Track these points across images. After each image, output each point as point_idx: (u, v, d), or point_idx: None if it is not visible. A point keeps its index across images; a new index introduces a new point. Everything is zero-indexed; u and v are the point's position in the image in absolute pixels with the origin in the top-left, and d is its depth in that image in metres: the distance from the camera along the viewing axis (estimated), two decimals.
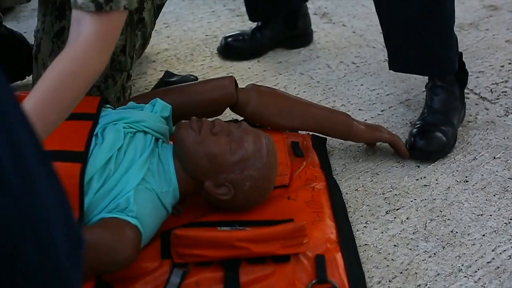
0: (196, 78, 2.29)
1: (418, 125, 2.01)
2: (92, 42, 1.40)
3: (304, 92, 2.31)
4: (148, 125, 1.66)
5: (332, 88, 2.34)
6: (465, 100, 2.15)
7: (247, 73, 2.43)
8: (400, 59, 2.07)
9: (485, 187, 1.90)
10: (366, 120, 2.15)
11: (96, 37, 1.40)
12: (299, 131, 2.03)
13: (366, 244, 1.71)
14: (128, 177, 1.53)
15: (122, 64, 1.92)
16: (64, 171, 1.39)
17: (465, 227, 1.76)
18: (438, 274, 1.63)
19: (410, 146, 1.98)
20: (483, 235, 1.74)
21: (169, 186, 1.59)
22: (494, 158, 2.01)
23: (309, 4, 2.71)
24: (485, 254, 1.68)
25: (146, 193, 1.54)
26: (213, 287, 1.52)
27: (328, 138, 2.06)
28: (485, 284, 1.60)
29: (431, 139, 1.98)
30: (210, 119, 1.66)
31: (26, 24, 2.68)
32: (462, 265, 1.65)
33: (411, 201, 1.85)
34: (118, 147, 1.57)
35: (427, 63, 2.05)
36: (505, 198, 1.86)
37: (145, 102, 1.77)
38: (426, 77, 2.14)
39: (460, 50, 2.09)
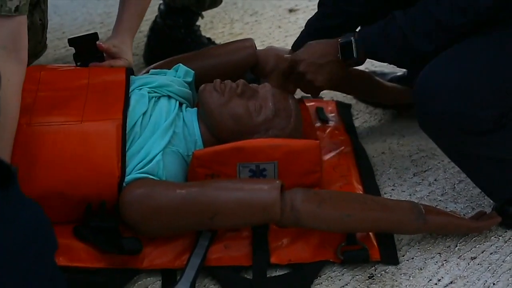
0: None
1: None
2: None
3: None
4: (172, 90, 1.65)
5: None
6: None
7: (268, 38, 2.41)
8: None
9: None
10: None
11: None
12: (323, 98, 2.02)
13: None
14: (154, 141, 1.53)
15: None
16: (103, 126, 1.48)
17: None
18: (468, 235, 1.61)
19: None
20: None
21: (195, 148, 1.59)
22: None
23: None
24: None
25: (173, 156, 1.55)
26: (242, 251, 1.52)
27: (353, 102, 2.05)
28: None
29: None
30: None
31: None
32: (493, 226, 1.62)
33: (439, 163, 1.83)
34: (143, 111, 1.56)
35: None
36: None
37: (167, 69, 1.76)
38: None
39: None
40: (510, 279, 1.51)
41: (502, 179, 1.59)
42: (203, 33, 2.27)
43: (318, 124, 1.90)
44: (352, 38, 1.58)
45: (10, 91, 1.43)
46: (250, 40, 1.86)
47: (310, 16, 1.86)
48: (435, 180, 1.78)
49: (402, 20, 1.51)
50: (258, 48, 1.86)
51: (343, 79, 1.69)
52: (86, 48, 1.70)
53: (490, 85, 1.42)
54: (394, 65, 1.64)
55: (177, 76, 1.72)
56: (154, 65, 1.84)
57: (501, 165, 1.56)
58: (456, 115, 1.43)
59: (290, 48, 1.89)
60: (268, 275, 1.49)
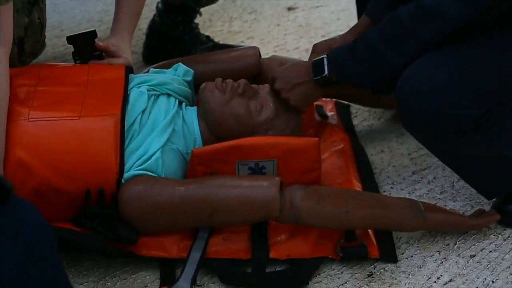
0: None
1: None
2: None
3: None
4: (171, 88, 1.65)
5: None
6: None
7: (267, 37, 2.41)
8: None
9: None
10: None
11: None
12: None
13: None
14: (153, 138, 1.53)
15: None
16: (101, 122, 1.47)
17: None
18: (467, 233, 1.61)
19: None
20: None
21: (194, 147, 1.59)
22: None
23: None
24: None
25: (172, 154, 1.55)
26: (241, 244, 1.52)
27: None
28: None
29: None
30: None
31: None
32: (491, 223, 1.62)
33: (438, 161, 1.81)
34: (142, 109, 1.56)
35: None
36: None
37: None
38: None
39: None
40: (509, 277, 1.51)
41: (488, 176, 1.60)
42: (201, 31, 2.26)
43: (317, 119, 1.90)
44: (325, 55, 1.57)
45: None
46: (255, 48, 1.85)
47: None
48: (434, 178, 1.78)
49: (370, 33, 1.50)
50: (257, 46, 1.86)
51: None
52: (85, 46, 1.70)
53: (470, 85, 1.43)
54: (359, 86, 1.59)
55: (176, 75, 1.72)
56: (155, 65, 1.84)
57: (485, 163, 1.56)
58: (437, 114, 1.44)
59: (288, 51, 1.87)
60: (267, 270, 1.49)
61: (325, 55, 1.57)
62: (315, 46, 1.73)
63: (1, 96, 1.44)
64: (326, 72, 1.55)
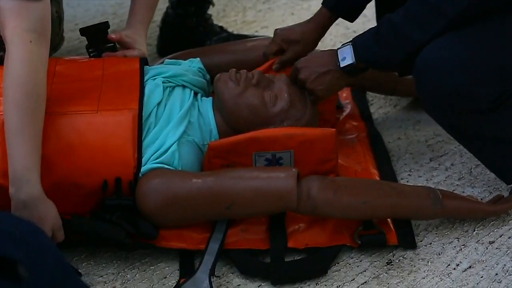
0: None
1: None
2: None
3: (340, 42, 2.26)
4: (186, 79, 1.65)
5: None
6: None
7: (281, 26, 2.38)
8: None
9: None
10: None
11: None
12: None
13: None
14: (169, 130, 1.53)
15: None
16: (119, 116, 1.48)
17: None
18: (485, 219, 1.60)
19: None
20: None
21: (210, 138, 1.59)
22: None
23: None
24: None
25: (188, 146, 1.55)
26: (259, 234, 1.53)
27: None
28: None
29: None
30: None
31: None
32: (510, 209, 1.61)
33: (455, 147, 1.82)
34: (158, 102, 1.56)
35: None
36: None
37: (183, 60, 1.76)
38: None
39: None
40: None
41: (507, 159, 1.58)
42: (215, 22, 2.26)
43: None
44: (350, 43, 1.56)
45: (44, 75, 1.42)
46: (269, 38, 1.84)
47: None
48: (452, 164, 1.77)
49: (393, 14, 1.48)
50: (272, 36, 1.85)
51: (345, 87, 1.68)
52: (98, 37, 1.71)
53: (489, 63, 1.42)
54: (387, 69, 1.59)
55: (192, 66, 1.72)
56: (170, 56, 1.84)
57: (504, 146, 1.55)
58: (454, 92, 1.42)
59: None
60: (285, 260, 1.50)
61: (350, 43, 1.56)
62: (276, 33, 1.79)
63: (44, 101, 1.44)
64: (353, 60, 1.54)
